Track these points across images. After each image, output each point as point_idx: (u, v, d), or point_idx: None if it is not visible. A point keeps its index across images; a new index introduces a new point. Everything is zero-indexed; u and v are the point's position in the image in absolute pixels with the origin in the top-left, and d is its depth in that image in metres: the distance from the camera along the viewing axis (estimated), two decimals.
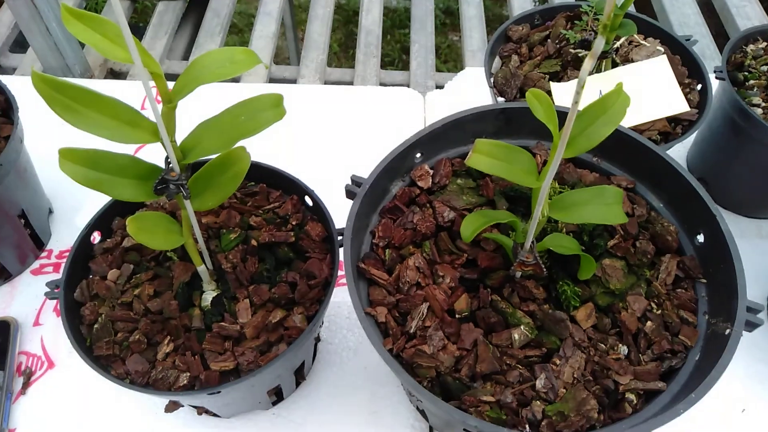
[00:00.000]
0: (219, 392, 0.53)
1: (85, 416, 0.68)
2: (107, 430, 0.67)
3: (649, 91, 0.71)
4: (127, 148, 0.67)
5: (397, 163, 0.60)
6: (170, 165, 0.48)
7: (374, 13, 1.27)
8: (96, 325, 0.57)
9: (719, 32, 1.28)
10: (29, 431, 0.67)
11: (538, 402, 0.48)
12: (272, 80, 1.19)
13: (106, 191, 0.48)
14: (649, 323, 0.52)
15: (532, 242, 0.51)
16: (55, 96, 0.43)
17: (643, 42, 0.76)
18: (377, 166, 0.58)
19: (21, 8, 0.92)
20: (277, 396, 0.67)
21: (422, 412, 0.65)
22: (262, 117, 0.49)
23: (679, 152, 0.91)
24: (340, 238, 0.60)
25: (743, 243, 0.61)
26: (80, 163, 0.47)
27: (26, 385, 0.70)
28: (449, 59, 2.15)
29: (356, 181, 0.57)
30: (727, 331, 0.49)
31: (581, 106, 0.41)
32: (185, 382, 0.54)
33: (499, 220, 0.49)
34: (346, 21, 2.22)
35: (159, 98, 0.44)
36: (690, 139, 0.84)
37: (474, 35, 1.22)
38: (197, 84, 0.45)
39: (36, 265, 0.80)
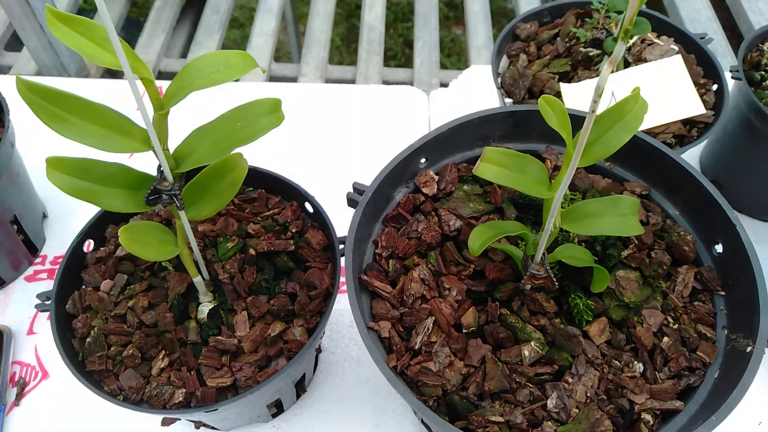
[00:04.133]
0: (216, 410, 0.51)
1: (81, 428, 0.66)
2: None
3: (664, 92, 0.68)
4: (120, 155, 0.65)
5: (401, 169, 0.58)
6: (163, 174, 0.46)
7: (377, 8, 1.24)
8: (88, 339, 0.55)
9: (726, 25, 1.25)
10: None
11: (549, 423, 0.46)
12: (273, 78, 1.16)
13: (95, 202, 0.46)
14: (665, 339, 0.50)
15: (543, 254, 0.48)
16: (41, 103, 0.41)
17: (656, 40, 0.73)
18: (380, 173, 0.55)
19: (14, 6, 0.90)
20: (277, 408, 0.65)
21: (427, 426, 0.63)
22: (260, 123, 0.47)
23: (692, 153, 0.88)
24: (341, 246, 0.58)
25: (758, 249, 0.58)
26: (68, 173, 0.45)
27: (20, 396, 0.68)
28: (453, 53, 2.11)
29: (358, 189, 0.55)
30: (749, 348, 0.46)
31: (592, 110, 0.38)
32: (181, 398, 0.52)
33: (509, 232, 0.47)
34: (348, 15, 2.18)
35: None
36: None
37: (479, 31, 1.19)
38: (190, 90, 0.42)
39: (30, 271, 0.77)
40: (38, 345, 0.72)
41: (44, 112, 0.41)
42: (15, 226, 0.73)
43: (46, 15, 0.40)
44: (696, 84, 0.71)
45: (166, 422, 0.62)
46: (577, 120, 0.47)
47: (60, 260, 0.78)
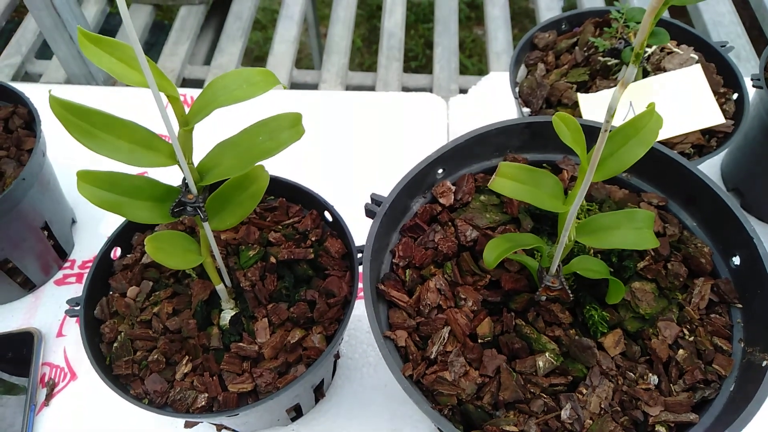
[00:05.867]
0: (237, 414, 0.52)
1: (107, 428, 0.68)
2: None
3: (683, 102, 0.68)
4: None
5: (419, 180, 0.58)
6: (187, 187, 0.47)
7: (397, 14, 1.25)
8: (115, 344, 0.57)
9: (754, 25, 1.23)
10: None
11: None
12: (294, 84, 1.18)
13: (123, 213, 0.47)
14: (681, 351, 0.50)
15: (558, 266, 0.49)
16: (73, 120, 0.42)
17: (675, 49, 0.73)
18: (397, 184, 0.56)
19: (44, 17, 0.93)
20: (297, 412, 0.66)
21: None
22: (281, 137, 0.48)
23: (713, 161, 0.88)
24: (359, 255, 0.59)
25: None
26: (98, 186, 0.47)
27: (50, 396, 0.70)
28: (474, 53, 2.11)
29: (376, 200, 0.56)
30: (765, 362, 0.46)
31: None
32: (203, 403, 0.53)
33: (524, 245, 0.47)
34: (369, 16, 2.19)
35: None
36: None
37: (499, 36, 1.19)
38: (214, 107, 0.44)
39: (59, 275, 0.80)
40: (67, 347, 0.74)
41: (76, 129, 0.43)
42: (45, 232, 0.76)
43: (78, 37, 0.41)
44: (716, 93, 0.71)
45: (189, 425, 0.64)
46: (594, 131, 0.47)
47: (88, 264, 0.81)
